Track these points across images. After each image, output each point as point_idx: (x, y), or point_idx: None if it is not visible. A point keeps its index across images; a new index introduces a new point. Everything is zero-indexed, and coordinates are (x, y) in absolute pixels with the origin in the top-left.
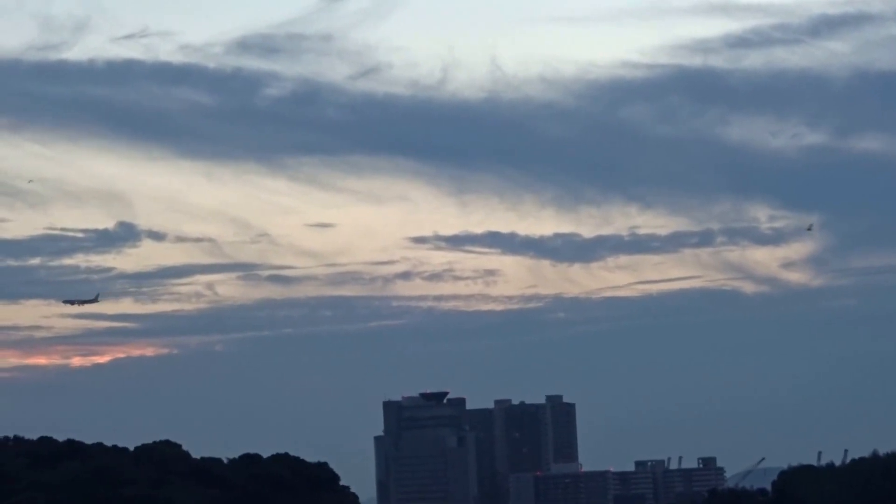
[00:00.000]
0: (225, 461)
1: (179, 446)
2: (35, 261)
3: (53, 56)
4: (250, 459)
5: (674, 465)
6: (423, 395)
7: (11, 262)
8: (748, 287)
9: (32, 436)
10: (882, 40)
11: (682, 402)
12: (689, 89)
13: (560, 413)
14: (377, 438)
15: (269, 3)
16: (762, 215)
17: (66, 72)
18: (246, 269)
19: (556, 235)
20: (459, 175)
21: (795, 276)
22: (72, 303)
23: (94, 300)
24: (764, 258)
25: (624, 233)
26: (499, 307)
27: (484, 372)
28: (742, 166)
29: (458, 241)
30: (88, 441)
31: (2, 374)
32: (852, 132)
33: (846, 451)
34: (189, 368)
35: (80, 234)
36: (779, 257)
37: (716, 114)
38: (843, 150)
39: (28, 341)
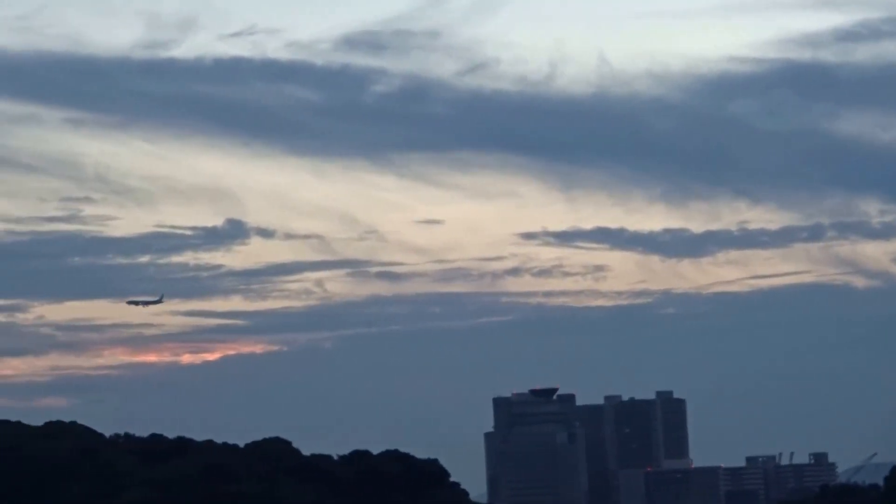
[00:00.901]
0: (335, 458)
1: (289, 443)
2: (144, 258)
3: (161, 54)
4: (360, 456)
5: (785, 461)
6: (533, 392)
7: (121, 260)
8: (859, 282)
9: (143, 433)
10: None
11: (793, 397)
12: (797, 83)
13: (670, 409)
14: (487, 435)
15: (376, 0)
16: (872, 209)
17: (174, 70)
18: (354, 266)
19: (665, 231)
20: (567, 171)
21: None
22: (136, 303)
23: (159, 301)
24: (875, 252)
25: (733, 228)
26: (608, 303)
27: (593, 368)
28: (851, 161)
29: (566, 237)
30: (199, 438)
31: (112, 372)
32: None
33: None
34: (298, 365)
35: (188, 232)
36: (890, 251)
37: (824, 108)
38: None
39: (138, 339)
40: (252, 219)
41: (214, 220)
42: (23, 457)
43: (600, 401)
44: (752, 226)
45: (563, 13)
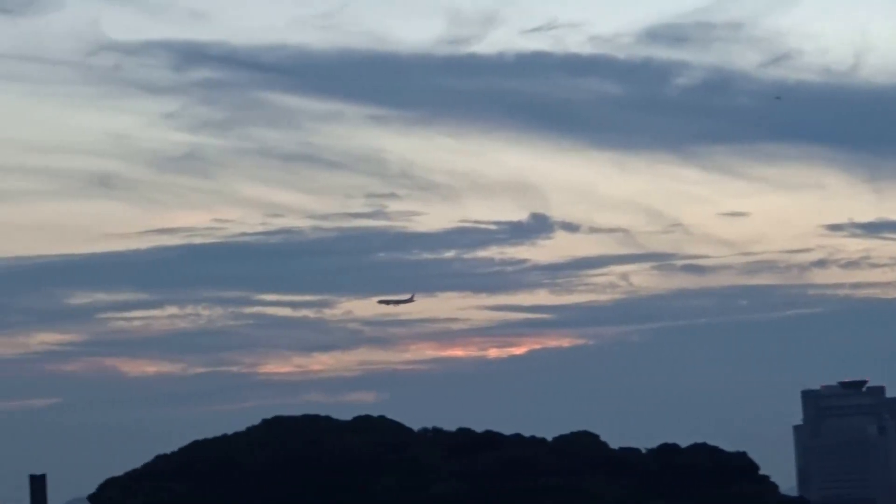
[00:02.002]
0: (643, 451)
1: (597, 437)
2: (450, 254)
3: (463, 50)
4: (668, 449)
5: None
6: (842, 384)
7: (427, 256)
8: None
9: (451, 427)
10: None
11: None
12: None
13: None
14: (796, 427)
15: None
16: None
17: (476, 65)
18: (659, 259)
19: None
20: (873, 161)
21: None
22: (387, 303)
23: (410, 300)
24: None
25: None
26: None
27: None
28: None
29: (874, 228)
30: (506, 432)
31: (420, 367)
32: None
33: None
34: (604, 359)
35: (493, 227)
36: None
37: None
38: None
39: (445, 333)
40: (556, 213)
41: (519, 214)
42: (332, 451)
43: None
44: None
45: (867, 2)
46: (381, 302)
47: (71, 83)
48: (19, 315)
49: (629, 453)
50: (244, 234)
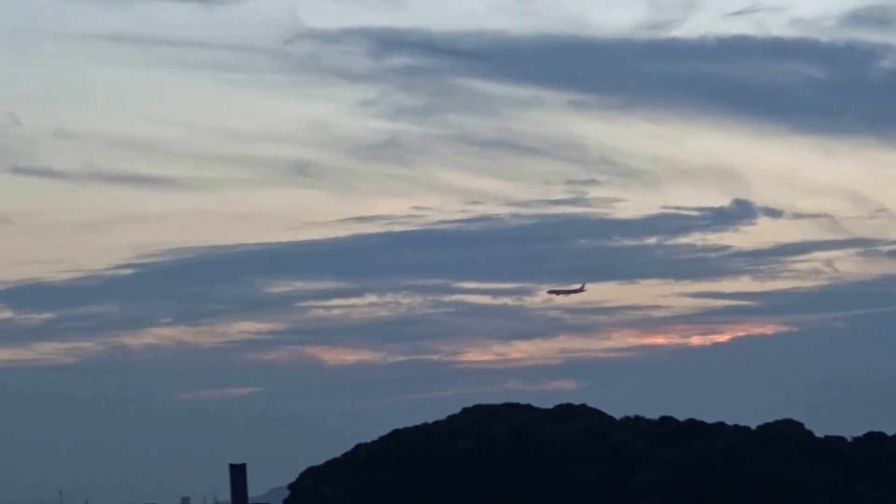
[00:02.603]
0: (848, 440)
1: (801, 425)
2: (651, 240)
3: (664, 34)
4: (875, 437)
5: None
6: None
7: (628, 242)
8: None
9: (653, 416)
10: None
11: None
12: None
13: None
14: None
15: None
16: None
17: (677, 49)
18: (865, 245)
19: None
20: None
21: None
22: (557, 293)
23: (581, 289)
24: None
25: None
26: None
27: None
28: None
29: None
30: (709, 420)
31: (621, 354)
32: None
33: None
34: (808, 346)
35: (695, 213)
36: None
37: None
38: None
39: (646, 321)
40: (759, 198)
41: (721, 200)
42: (534, 440)
43: None
44: None
45: None
46: (551, 292)
47: (268, 71)
48: (219, 304)
49: (834, 442)
50: (443, 221)
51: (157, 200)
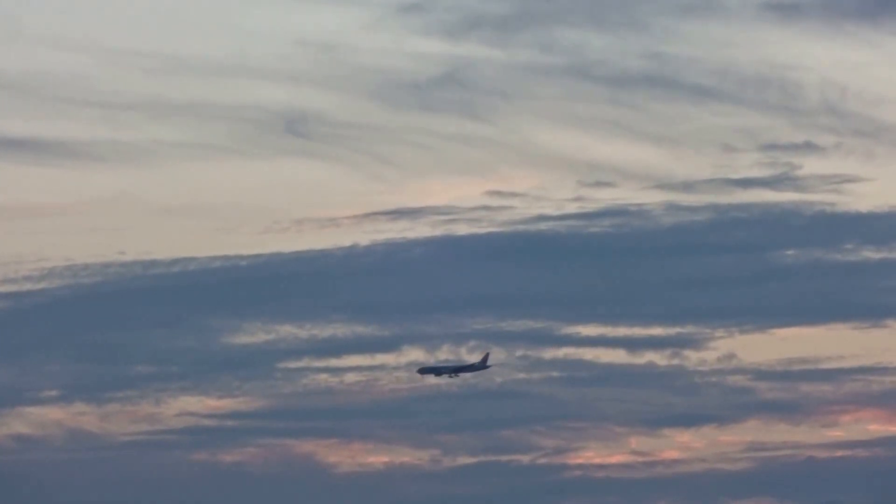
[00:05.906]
0: None
1: None
2: None
3: None
4: None
5: None
6: None
7: (871, 254)
8: None
9: None
10: None
11: None
12: None
13: None
14: None
15: None
16: None
17: None
18: None
19: None
20: None
21: None
22: (436, 372)
23: (482, 366)
24: None
25: None
26: None
27: None
28: None
29: None
30: None
31: (858, 453)
32: None
33: None
34: None
35: None
36: None
37: None
38: None
39: None
40: None
41: None
42: None
43: None
44: None
45: None
46: (423, 371)
47: None
48: (145, 364)
49: None
50: (543, 217)
51: (39, 181)
